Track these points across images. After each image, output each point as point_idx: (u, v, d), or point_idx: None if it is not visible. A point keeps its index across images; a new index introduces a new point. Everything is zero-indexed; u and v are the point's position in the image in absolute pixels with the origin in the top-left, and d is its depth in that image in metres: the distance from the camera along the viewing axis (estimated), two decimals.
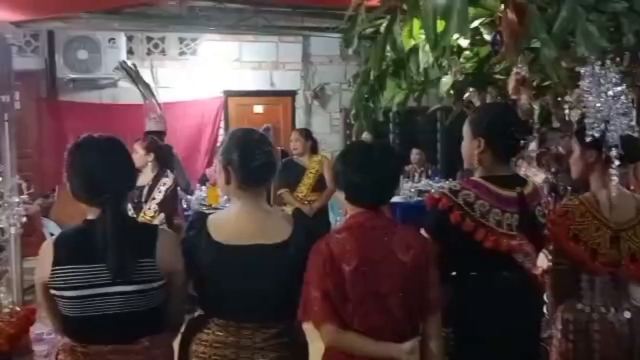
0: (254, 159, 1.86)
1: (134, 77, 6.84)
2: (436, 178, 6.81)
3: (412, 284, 1.85)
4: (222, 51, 7.52)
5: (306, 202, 5.09)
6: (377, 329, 1.81)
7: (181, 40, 7.48)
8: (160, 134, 5.69)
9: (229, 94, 7.65)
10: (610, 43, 2.83)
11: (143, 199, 3.96)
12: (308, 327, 1.89)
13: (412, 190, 6.37)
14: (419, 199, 6.05)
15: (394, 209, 5.79)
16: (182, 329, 1.99)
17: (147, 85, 6.90)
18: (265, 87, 7.77)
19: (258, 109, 7.89)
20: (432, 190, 5.33)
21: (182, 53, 7.51)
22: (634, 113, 2.49)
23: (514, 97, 3.47)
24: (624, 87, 2.30)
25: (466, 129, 2.26)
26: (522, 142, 2.20)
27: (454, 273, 2.16)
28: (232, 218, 1.92)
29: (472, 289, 2.11)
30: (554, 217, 2.30)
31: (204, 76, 7.46)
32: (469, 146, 2.23)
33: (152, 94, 6.86)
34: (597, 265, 2.26)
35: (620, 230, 2.26)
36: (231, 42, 7.49)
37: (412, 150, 7.29)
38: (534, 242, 2.16)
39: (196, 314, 1.98)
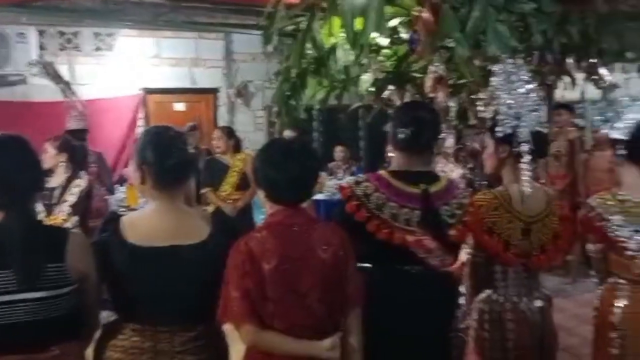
0: (169, 157, 1.81)
1: (52, 73, 6.51)
2: (360, 175, 6.87)
3: (332, 280, 1.85)
4: (140, 47, 7.30)
5: (230, 201, 5.02)
6: (298, 326, 1.80)
7: (96, 35, 7.19)
8: (83, 132, 5.44)
9: (148, 91, 7.42)
10: (520, 42, 2.95)
11: (55, 201, 3.76)
12: (228, 328, 1.86)
13: (336, 187, 6.41)
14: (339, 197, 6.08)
15: (317, 206, 5.82)
16: (96, 335, 1.90)
17: (67, 82, 6.59)
18: (186, 84, 7.60)
19: (179, 106, 7.72)
20: None
21: (97, 49, 7.23)
22: (545, 110, 2.61)
23: (431, 95, 3.56)
24: (534, 84, 2.40)
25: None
26: (416, 133, 2.19)
27: (361, 265, 2.17)
28: (147, 219, 1.85)
29: (374, 282, 2.09)
30: (471, 211, 2.33)
31: (122, 73, 7.21)
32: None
33: (72, 91, 6.56)
34: (509, 257, 2.34)
35: (531, 223, 2.35)
36: (149, 38, 7.28)
37: (335, 148, 7.35)
38: (439, 239, 2.15)
39: (111, 318, 1.90)
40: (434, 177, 2.26)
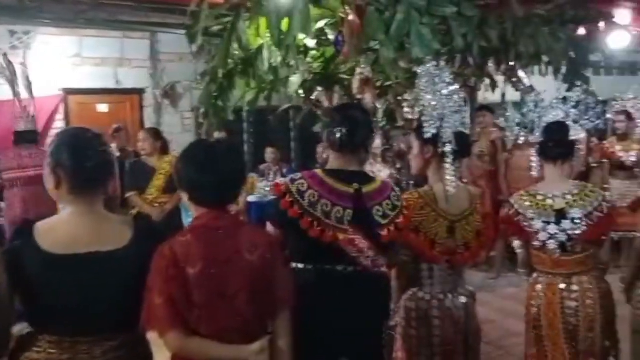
0: (87, 159, 1.72)
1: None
2: (296, 174, 6.85)
3: (260, 283, 1.83)
4: (61, 46, 6.98)
5: (157, 205, 4.88)
6: (225, 331, 1.76)
7: (12, 33, 6.82)
8: (33, 133, 5.06)
9: (68, 91, 7.11)
10: (442, 45, 3.04)
11: None
12: (152, 336, 1.79)
13: (267, 189, 6.39)
14: (273, 197, 6.06)
15: (249, 208, 5.77)
16: (10, 349, 1.79)
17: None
18: (110, 84, 7.34)
19: (102, 108, 7.44)
20: None
21: (13, 47, 6.85)
22: (468, 111, 2.70)
23: (359, 96, 3.61)
24: (456, 86, 2.46)
25: None
26: (354, 132, 2.19)
27: (293, 265, 2.15)
28: (63, 225, 1.76)
29: (306, 283, 2.09)
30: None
31: (40, 73, 6.86)
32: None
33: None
34: (435, 255, 2.40)
35: (456, 221, 2.43)
36: (70, 36, 6.97)
37: (266, 149, 7.31)
38: (371, 239, 2.16)
39: (25, 331, 1.80)
40: (368, 178, 2.27)
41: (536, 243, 2.61)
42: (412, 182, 4.12)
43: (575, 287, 2.57)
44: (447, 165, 2.39)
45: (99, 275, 1.71)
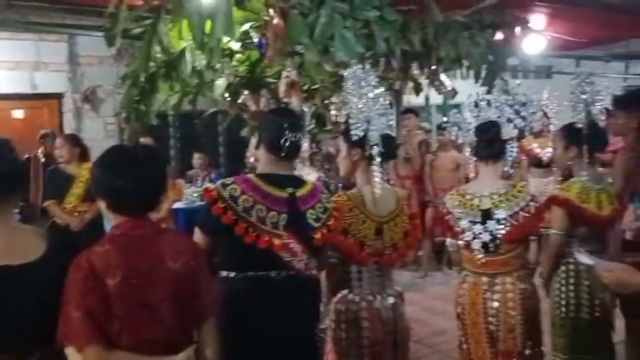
0: None
1: None
2: (227, 178, 6.75)
3: (184, 291, 1.77)
4: None
5: (76, 214, 4.68)
6: (149, 342, 1.70)
7: None
8: None
9: None
10: (366, 49, 3.07)
11: None
12: (70, 351, 1.71)
13: (195, 195, 6.27)
14: (202, 203, 5.95)
15: (176, 215, 5.64)
16: None
17: None
18: (26, 89, 6.98)
19: (18, 113, 7.06)
20: None
21: None
22: (394, 114, 2.73)
23: (285, 100, 3.59)
24: (382, 89, 2.49)
25: None
26: (295, 137, 2.19)
27: (224, 273, 2.13)
28: None
29: (238, 290, 2.07)
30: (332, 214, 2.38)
31: None
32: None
33: None
34: (364, 256, 2.42)
35: (383, 222, 2.46)
36: None
37: (193, 155, 7.18)
38: (304, 243, 2.16)
39: None
40: (300, 181, 2.27)
41: (462, 242, 2.67)
42: (340, 185, 4.14)
43: (498, 288, 2.61)
44: (375, 168, 2.41)
45: (10, 290, 1.61)
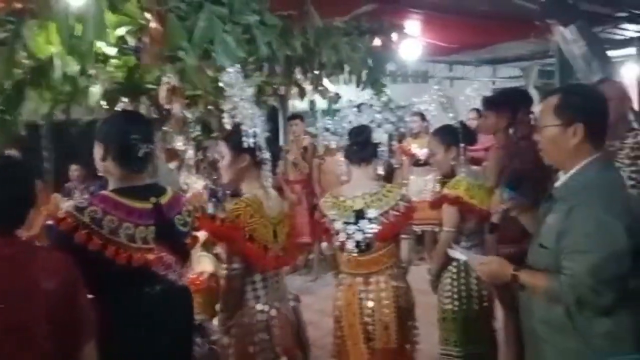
0: None
1: None
2: (80, 200, 6.40)
3: (59, 313, 1.66)
4: None
5: None
6: None
7: None
8: None
9: None
10: (248, 54, 3.04)
11: None
12: None
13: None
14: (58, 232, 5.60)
15: (49, 232, 5.27)
16: None
17: None
18: None
19: None
20: None
21: None
22: (279, 119, 2.73)
23: (167, 106, 3.47)
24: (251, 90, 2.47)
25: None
26: (148, 146, 2.09)
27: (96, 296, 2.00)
28: None
29: (112, 312, 1.95)
30: (228, 223, 2.34)
31: None
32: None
33: None
34: (270, 261, 2.40)
35: (277, 224, 2.47)
36: None
37: (70, 167, 6.77)
38: (176, 252, 2.11)
39: None
40: (160, 188, 2.18)
41: (337, 244, 2.73)
42: (228, 192, 4.09)
43: (372, 287, 2.72)
44: (265, 172, 2.42)
45: None
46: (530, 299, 2.04)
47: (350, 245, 2.71)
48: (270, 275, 2.47)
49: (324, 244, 2.91)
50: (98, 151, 2.10)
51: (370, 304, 2.70)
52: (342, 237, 2.70)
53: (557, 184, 2.02)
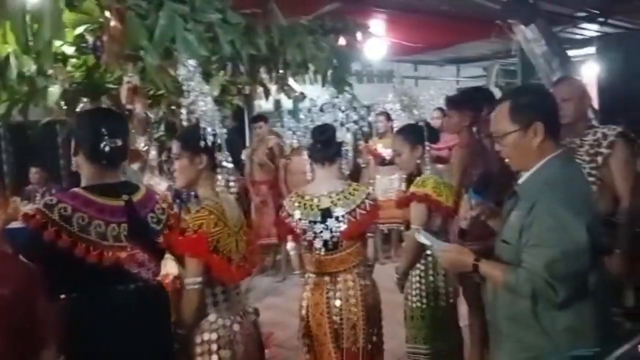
0: None
1: None
2: (49, 198, 6.25)
3: (16, 320, 1.61)
4: None
5: None
6: None
7: None
8: None
9: None
10: (212, 52, 3.00)
11: None
12: None
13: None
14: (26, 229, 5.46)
15: (10, 237, 5.13)
16: None
17: None
18: None
19: None
20: None
21: None
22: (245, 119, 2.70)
23: (129, 106, 3.41)
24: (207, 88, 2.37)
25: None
26: (120, 142, 2.05)
27: (62, 296, 1.96)
28: None
29: (85, 311, 1.93)
30: (191, 233, 2.16)
31: None
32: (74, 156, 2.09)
33: None
34: (233, 272, 2.28)
35: (237, 232, 2.36)
36: None
37: (30, 169, 6.60)
38: (149, 250, 2.08)
39: None
40: (133, 186, 2.14)
41: (304, 243, 2.71)
42: (192, 194, 4.02)
43: (340, 286, 2.70)
44: (223, 175, 2.32)
45: None
46: (496, 295, 2.06)
47: (317, 244, 2.69)
48: (231, 287, 2.35)
49: (289, 244, 2.88)
50: (73, 147, 2.08)
51: (338, 302, 2.69)
52: (309, 236, 2.68)
53: (520, 181, 2.04)
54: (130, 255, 2.00)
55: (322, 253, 2.70)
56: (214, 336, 2.25)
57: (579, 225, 1.82)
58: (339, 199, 2.71)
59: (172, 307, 3.18)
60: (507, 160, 2.06)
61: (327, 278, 2.71)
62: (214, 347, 2.24)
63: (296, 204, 2.72)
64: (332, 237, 2.69)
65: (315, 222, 2.68)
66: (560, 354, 1.89)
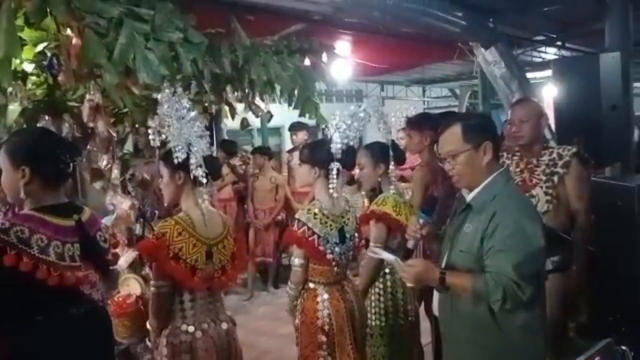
0: None
1: None
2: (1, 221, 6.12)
3: None
4: None
5: None
6: None
7: None
8: None
9: None
10: (172, 71, 3.01)
11: None
12: None
13: None
14: None
15: None
16: None
17: None
18: None
19: None
20: None
21: None
22: (210, 137, 2.70)
23: (90, 124, 3.38)
24: (196, 112, 2.46)
25: (3, 160, 1.96)
26: (72, 164, 2.02)
27: (21, 321, 1.91)
28: None
29: (38, 335, 1.87)
30: (153, 240, 2.32)
31: None
32: (12, 178, 1.94)
33: None
34: (196, 282, 2.36)
35: (213, 245, 2.42)
36: None
37: None
38: (100, 269, 2.08)
39: None
40: (78, 207, 2.12)
41: (329, 256, 2.75)
42: (156, 212, 4.00)
43: (348, 290, 2.85)
44: (202, 189, 2.40)
45: None
46: (452, 306, 2.13)
47: (336, 257, 2.78)
48: (202, 295, 2.42)
49: (297, 259, 2.83)
50: (16, 173, 1.93)
51: (350, 305, 2.81)
52: (328, 249, 2.75)
53: (470, 197, 2.14)
54: (84, 275, 1.97)
55: (337, 269, 2.80)
56: (176, 341, 2.35)
57: (536, 230, 2.00)
58: (348, 219, 2.87)
59: (135, 327, 3.19)
60: (455, 178, 2.17)
61: (337, 287, 2.82)
62: (176, 350, 2.34)
63: (317, 219, 2.75)
64: (347, 250, 2.85)
65: (336, 243, 2.78)
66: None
